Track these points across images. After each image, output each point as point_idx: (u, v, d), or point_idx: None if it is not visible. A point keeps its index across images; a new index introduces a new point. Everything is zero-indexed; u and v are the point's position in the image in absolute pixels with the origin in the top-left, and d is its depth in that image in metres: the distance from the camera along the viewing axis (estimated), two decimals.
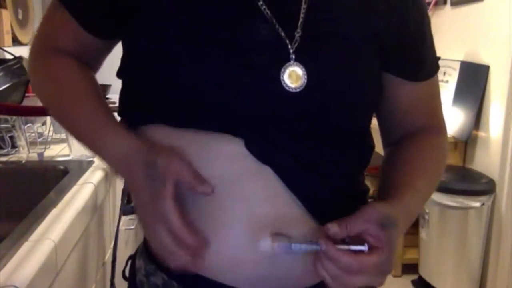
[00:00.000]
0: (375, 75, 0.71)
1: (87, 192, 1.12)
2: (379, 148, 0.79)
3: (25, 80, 1.51)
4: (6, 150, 1.48)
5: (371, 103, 0.72)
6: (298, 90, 0.62)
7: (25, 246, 0.82)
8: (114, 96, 2.82)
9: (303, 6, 0.64)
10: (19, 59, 1.61)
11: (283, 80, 0.62)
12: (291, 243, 0.59)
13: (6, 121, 1.49)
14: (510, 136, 2.32)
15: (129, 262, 0.78)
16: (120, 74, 0.71)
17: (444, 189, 2.39)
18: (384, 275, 0.62)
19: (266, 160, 0.63)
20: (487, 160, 2.50)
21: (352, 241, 0.59)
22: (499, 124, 2.40)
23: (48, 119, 1.66)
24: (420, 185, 0.70)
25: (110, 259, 1.33)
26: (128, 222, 1.60)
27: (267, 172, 0.63)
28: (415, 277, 2.72)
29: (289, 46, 0.63)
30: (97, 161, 1.33)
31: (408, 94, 0.75)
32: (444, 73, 2.86)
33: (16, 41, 2.18)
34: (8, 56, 1.73)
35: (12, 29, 2.13)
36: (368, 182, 0.76)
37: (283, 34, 0.62)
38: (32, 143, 1.51)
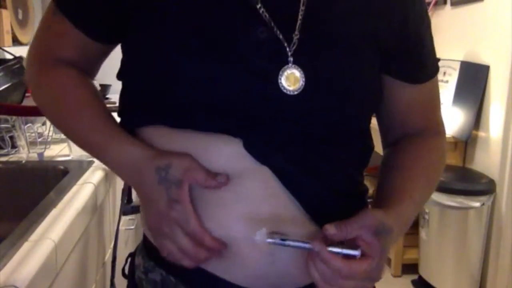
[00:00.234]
0: (374, 77, 0.71)
1: (87, 192, 1.12)
2: (378, 148, 0.79)
3: (25, 80, 1.51)
4: (6, 150, 1.48)
5: (370, 105, 0.72)
6: (296, 92, 0.62)
7: (25, 246, 0.82)
8: (114, 96, 2.82)
9: (301, 8, 0.64)
10: (19, 59, 1.61)
11: (281, 83, 0.62)
12: (286, 238, 0.60)
13: (6, 121, 1.49)
14: (510, 136, 2.32)
15: (129, 260, 0.79)
16: (120, 76, 0.71)
17: (444, 189, 2.39)
18: (372, 282, 0.63)
19: (264, 160, 0.63)
20: (487, 160, 2.50)
21: (346, 244, 0.60)
22: (499, 124, 2.40)
23: None
24: (416, 193, 0.71)
25: (110, 259, 1.33)
26: (128, 222, 1.60)
27: (266, 173, 0.63)
28: (415, 277, 2.72)
29: (288, 49, 0.63)
30: (97, 161, 1.33)
31: (407, 96, 0.75)
32: (444, 73, 2.86)
33: (16, 41, 2.18)
34: (8, 56, 1.73)
35: (12, 29, 2.13)
36: (367, 182, 0.76)
37: (281, 36, 0.63)
38: (32, 143, 1.51)
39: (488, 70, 2.49)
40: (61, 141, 1.62)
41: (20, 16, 2.27)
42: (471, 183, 2.42)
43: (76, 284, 1.02)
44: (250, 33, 0.62)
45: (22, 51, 1.78)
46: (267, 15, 0.62)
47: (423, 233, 2.59)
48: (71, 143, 1.43)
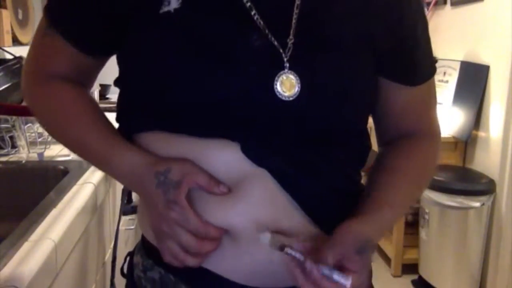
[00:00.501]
0: (370, 80, 0.70)
1: (87, 192, 1.12)
2: (377, 146, 0.80)
3: None
4: (6, 150, 1.48)
5: (366, 107, 0.72)
6: (291, 98, 0.62)
7: (25, 246, 0.82)
8: (114, 96, 2.82)
9: (295, 11, 0.64)
10: (19, 59, 1.61)
11: (276, 89, 0.62)
12: (288, 247, 0.59)
13: (6, 121, 1.49)
14: (510, 136, 2.32)
15: (127, 259, 0.79)
16: (117, 83, 0.72)
17: (444, 189, 2.39)
18: None
19: (262, 163, 0.63)
20: (487, 160, 2.50)
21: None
22: (499, 124, 2.40)
23: None
24: (398, 199, 0.71)
25: (110, 259, 1.33)
26: (128, 222, 1.60)
27: (264, 175, 0.64)
28: (415, 277, 2.72)
29: (283, 55, 0.63)
30: None
31: (402, 98, 0.75)
32: (444, 73, 2.86)
33: (16, 41, 2.18)
34: (8, 56, 1.73)
35: (12, 29, 2.13)
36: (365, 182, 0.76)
37: (276, 43, 0.63)
38: (32, 143, 1.51)
39: (488, 70, 2.49)
40: None
41: (20, 16, 2.27)
42: (471, 183, 2.42)
43: (76, 284, 1.02)
44: (245, 41, 0.62)
45: (22, 51, 1.78)
46: (261, 22, 0.62)
47: (423, 233, 2.59)
48: None
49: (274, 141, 0.64)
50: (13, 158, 1.45)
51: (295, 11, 0.64)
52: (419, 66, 0.75)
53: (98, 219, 1.23)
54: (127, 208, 1.46)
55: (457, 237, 2.44)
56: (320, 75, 0.64)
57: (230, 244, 0.64)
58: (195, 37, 0.62)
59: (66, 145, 0.76)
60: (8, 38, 2.07)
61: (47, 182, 1.29)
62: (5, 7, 2.07)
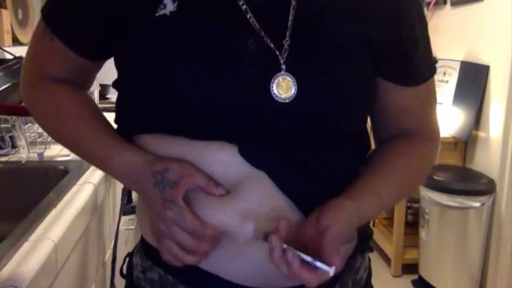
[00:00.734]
0: (367, 81, 0.70)
1: (87, 192, 1.12)
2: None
3: None
4: (6, 150, 1.48)
5: (364, 108, 0.72)
6: (288, 100, 0.62)
7: (25, 246, 0.82)
8: (114, 96, 2.82)
9: (291, 13, 0.64)
10: (19, 59, 1.61)
11: (273, 91, 0.62)
12: (271, 236, 0.59)
13: (6, 121, 1.49)
14: (510, 136, 2.32)
15: (127, 260, 0.79)
16: (115, 86, 0.72)
17: (444, 189, 2.39)
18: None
19: (260, 165, 0.63)
20: (487, 160, 2.50)
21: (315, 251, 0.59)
22: (499, 124, 2.40)
23: None
24: (384, 190, 0.70)
25: (110, 259, 1.33)
26: (128, 222, 1.60)
27: (262, 177, 0.64)
28: (415, 277, 2.72)
29: (280, 57, 0.63)
30: None
31: (400, 98, 0.74)
32: (444, 73, 2.86)
33: (16, 41, 2.18)
34: (8, 56, 1.74)
35: (12, 29, 2.13)
36: None
37: (272, 45, 0.63)
38: (32, 143, 1.52)
39: (488, 70, 2.49)
40: None
41: (20, 16, 2.27)
42: (471, 183, 2.42)
43: (76, 284, 1.02)
44: (241, 44, 0.62)
45: (22, 51, 1.78)
46: (257, 25, 0.62)
47: (423, 233, 2.59)
48: None
49: (271, 142, 0.64)
50: (13, 158, 1.45)
51: (291, 12, 0.64)
52: (417, 66, 0.74)
53: (98, 219, 1.23)
54: (127, 208, 1.46)
55: (457, 237, 2.44)
56: (316, 77, 0.64)
57: (228, 245, 0.64)
58: (191, 41, 0.62)
59: (66, 145, 0.76)
60: (8, 38, 2.06)
61: (47, 182, 1.29)
62: (5, 7, 2.07)
